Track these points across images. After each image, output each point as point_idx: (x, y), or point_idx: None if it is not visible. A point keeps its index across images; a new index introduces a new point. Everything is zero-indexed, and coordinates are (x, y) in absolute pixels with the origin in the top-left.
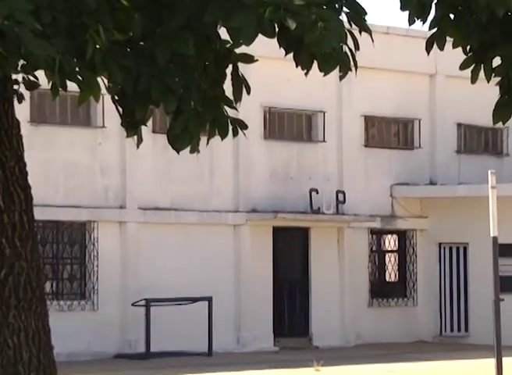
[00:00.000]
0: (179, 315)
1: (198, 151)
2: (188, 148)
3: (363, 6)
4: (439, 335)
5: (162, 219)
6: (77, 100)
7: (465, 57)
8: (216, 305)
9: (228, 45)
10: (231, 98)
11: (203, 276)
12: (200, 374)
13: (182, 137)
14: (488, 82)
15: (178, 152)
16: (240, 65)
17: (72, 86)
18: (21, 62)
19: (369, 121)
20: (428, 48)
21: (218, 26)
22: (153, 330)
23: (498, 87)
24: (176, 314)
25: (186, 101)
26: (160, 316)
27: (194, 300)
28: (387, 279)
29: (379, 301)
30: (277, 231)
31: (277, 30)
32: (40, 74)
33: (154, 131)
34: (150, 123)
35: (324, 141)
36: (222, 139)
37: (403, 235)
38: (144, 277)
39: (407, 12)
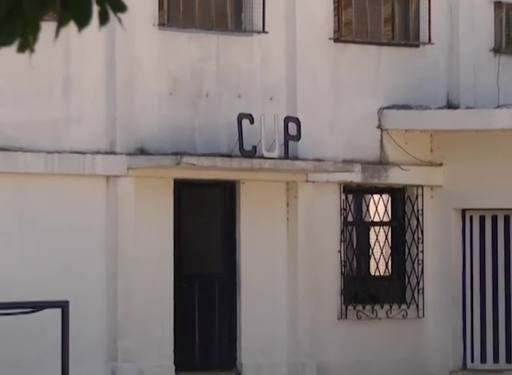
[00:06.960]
0: (11, 331)
1: (32, 50)
2: (17, 44)
3: None
4: (462, 368)
5: None
6: None
7: None
8: (76, 316)
9: None
10: None
11: (52, 262)
12: None
13: (8, 25)
14: None
15: None
16: None
17: None
18: None
19: None
20: None
21: None
22: None
23: None
24: (3, 330)
25: None
26: None
27: (38, 306)
28: (372, 272)
29: (358, 309)
30: (181, 187)
31: None
32: None
33: None
34: None
35: (264, 31)
36: (81, 28)
37: (400, 196)
38: None
39: None
